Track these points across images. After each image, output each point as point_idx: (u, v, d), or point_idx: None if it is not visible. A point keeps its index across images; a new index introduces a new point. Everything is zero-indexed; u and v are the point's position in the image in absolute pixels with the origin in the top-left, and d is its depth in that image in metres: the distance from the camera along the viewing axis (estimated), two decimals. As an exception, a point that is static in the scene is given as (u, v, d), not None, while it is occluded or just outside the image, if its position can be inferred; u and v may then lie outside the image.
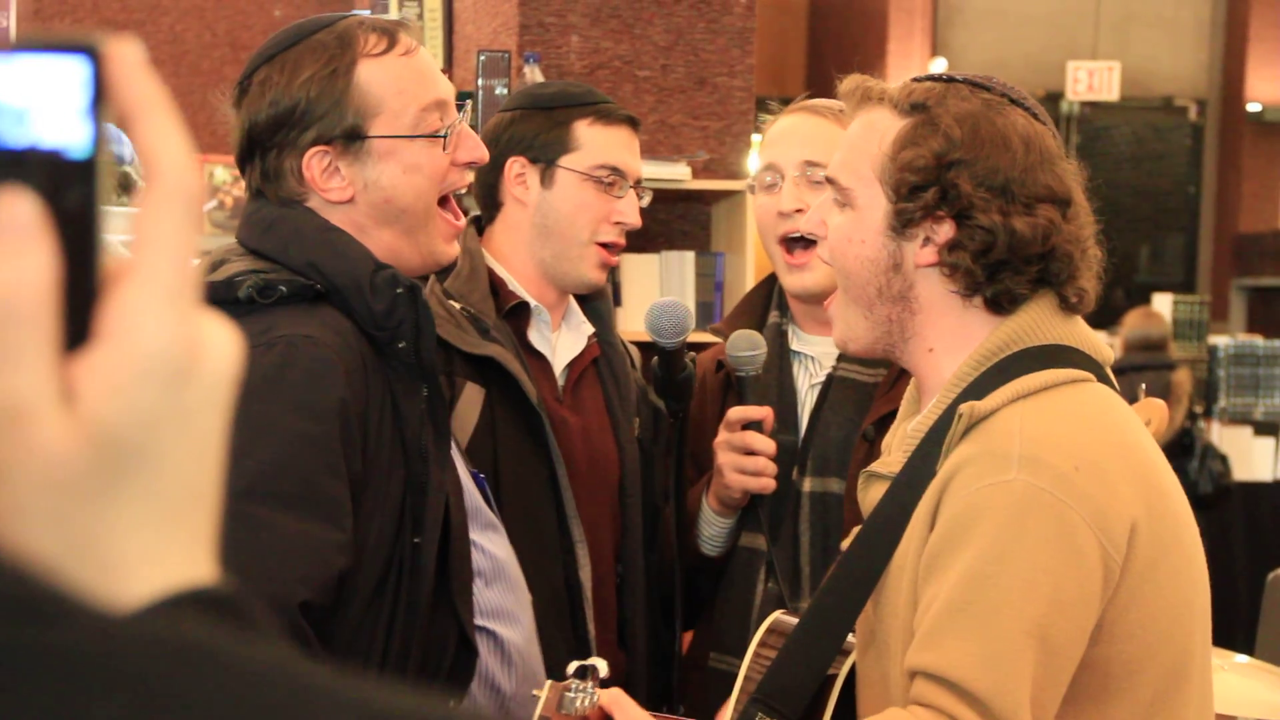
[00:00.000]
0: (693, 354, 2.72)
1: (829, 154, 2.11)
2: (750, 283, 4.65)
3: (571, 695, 1.87)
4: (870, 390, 2.49)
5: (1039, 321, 1.94)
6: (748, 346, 2.55)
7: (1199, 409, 7.82)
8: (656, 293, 4.42)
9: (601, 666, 1.91)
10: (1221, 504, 7.43)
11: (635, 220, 2.65)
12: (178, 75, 7.76)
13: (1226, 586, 5.69)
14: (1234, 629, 5.75)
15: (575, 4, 4.69)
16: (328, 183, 2.08)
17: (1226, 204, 13.88)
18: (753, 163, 5.18)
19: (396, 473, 2.01)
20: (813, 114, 2.51)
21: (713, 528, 2.63)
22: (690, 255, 4.76)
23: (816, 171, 2.40)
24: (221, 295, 1.97)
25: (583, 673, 1.89)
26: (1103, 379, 1.96)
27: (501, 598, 2.31)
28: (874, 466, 1.99)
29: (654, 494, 2.69)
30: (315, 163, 2.06)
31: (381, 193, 2.11)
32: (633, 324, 2.74)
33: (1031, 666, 1.75)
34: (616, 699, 1.89)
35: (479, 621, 2.19)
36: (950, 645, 1.76)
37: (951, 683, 1.74)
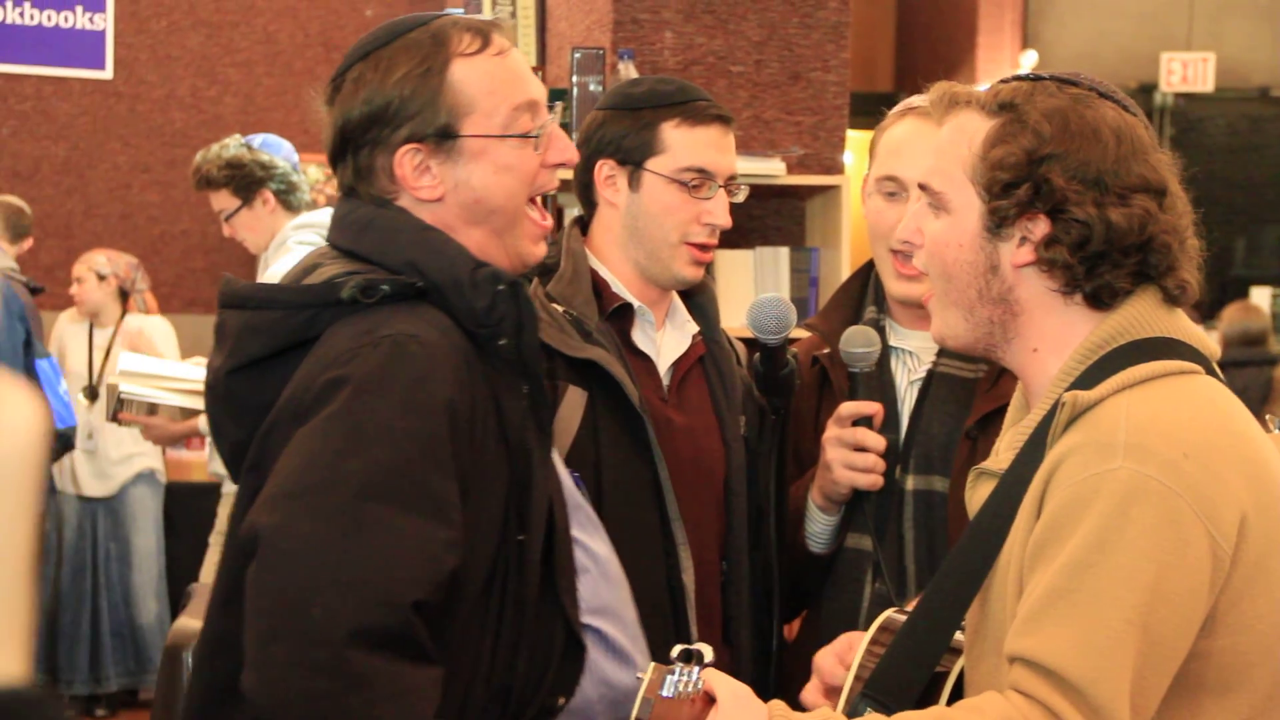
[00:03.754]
0: (794, 350, 2.73)
1: None
2: (845, 277, 4.66)
3: (675, 678, 1.85)
4: (972, 386, 2.48)
5: (1142, 315, 1.93)
6: (863, 343, 2.54)
7: (1302, 406, 7.58)
8: (751, 288, 4.42)
9: (707, 652, 1.90)
10: None
11: (725, 221, 2.65)
12: (272, 75, 8.07)
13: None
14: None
15: (669, 0, 4.67)
16: (418, 181, 2.08)
17: None
18: (849, 158, 5.17)
19: (501, 470, 2.02)
20: (933, 122, 2.50)
21: (818, 524, 2.63)
22: (785, 251, 4.75)
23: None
24: (324, 297, 1.99)
25: (687, 656, 1.88)
26: (1210, 372, 1.94)
27: (606, 593, 2.30)
28: (984, 464, 2.00)
29: (759, 492, 2.68)
30: (407, 161, 2.07)
31: (472, 193, 2.11)
32: (728, 319, 2.81)
33: (1132, 656, 1.74)
34: (719, 678, 1.88)
35: (585, 619, 2.18)
36: (1049, 631, 1.76)
37: (1049, 669, 1.74)
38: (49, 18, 7.95)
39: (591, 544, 2.24)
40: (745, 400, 2.70)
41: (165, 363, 4.59)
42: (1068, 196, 1.89)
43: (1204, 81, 12.79)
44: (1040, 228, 1.89)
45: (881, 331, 2.59)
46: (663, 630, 2.49)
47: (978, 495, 1.97)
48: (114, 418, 5.09)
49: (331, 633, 1.79)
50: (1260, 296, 10.48)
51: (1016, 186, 1.91)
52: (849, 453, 2.46)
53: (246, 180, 5.09)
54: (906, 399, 2.61)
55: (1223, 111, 13.95)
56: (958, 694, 2.01)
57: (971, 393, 2.48)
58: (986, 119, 1.97)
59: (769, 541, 2.67)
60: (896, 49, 14.06)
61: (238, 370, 2.05)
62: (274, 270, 4.34)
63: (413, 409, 1.91)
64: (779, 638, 2.70)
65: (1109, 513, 1.76)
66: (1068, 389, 1.88)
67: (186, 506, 6.69)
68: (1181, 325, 1.95)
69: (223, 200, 5.11)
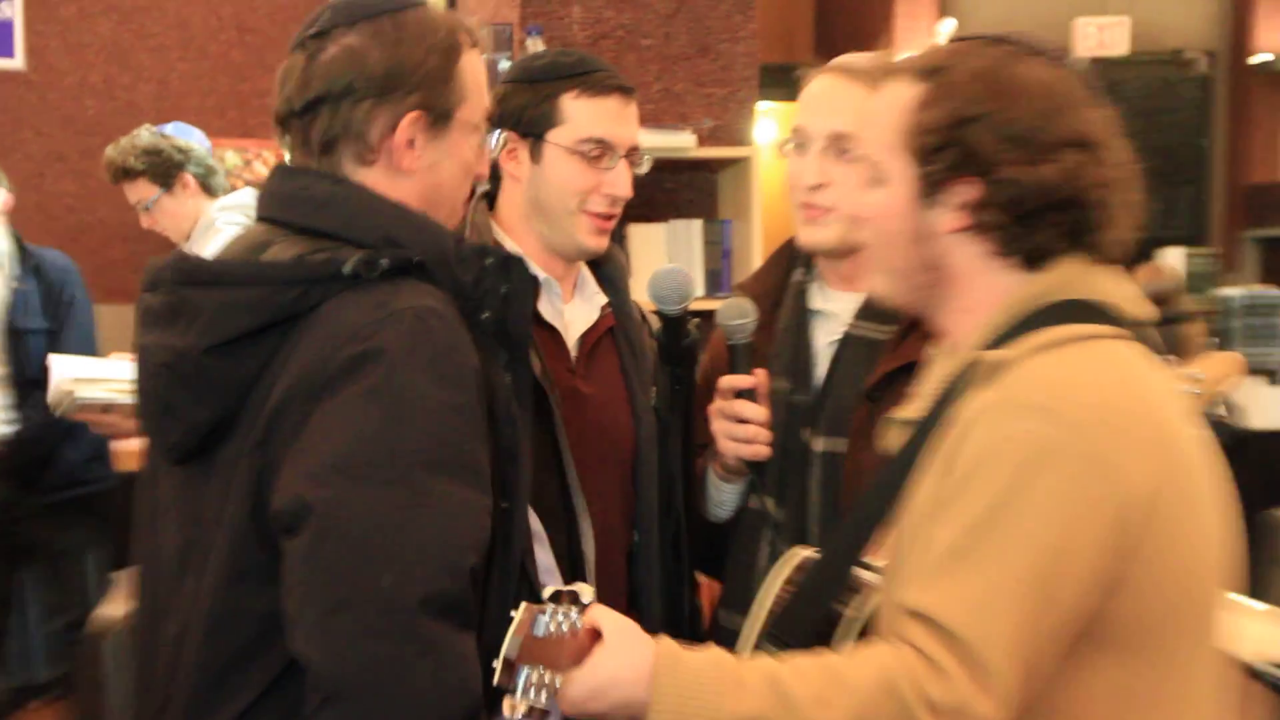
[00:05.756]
0: (697, 320, 2.73)
1: (858, 124, 2.13)
2: (758, 249, 4.72)
3: (546, 618, 1.85)
4: (881, 348, 2.51)
5: (1070, 277, 1.94)
6: (737, 314, 2.56)
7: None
8: (664, 261, 4.44)
9: (585, 592, 1.90)
10: (1237, 454, 7.65)
11: (626, 191, 2.66)
12: (185, 60, 7.88)
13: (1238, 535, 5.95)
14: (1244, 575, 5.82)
15: None
16: (404, 155, 2.09)
17: (1237, 156, 13.97)
18: (760, 128, 5.24)
19: (489, 440, 2.03)
20: (847, 78, 2.50)
21: (721, 493, 2.65)
22: (698, 223, 4.79)
23: (843, 142, 2.43)
24: (321, 272, 1.99)
25: (557, 598, 1.88)
26: (1141, 333, 1.95)
27: (544, 558, 2.39)
28: (897, 412, 2.02)
29: (670, 462, 2.69)
30: (409, 126, 2.07)
31: (438, 175, 2.14)
32: (641, 294, 2.85)
33: (1027, 617, 1.75)
34: (605, 613, 1.87)
35: (545, 576, 2.26)
36: (946, 589, 1.77)
37: (941, 625, 1.76)
38: None
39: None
40: (657, 371, 2.72)
41: (101, 362, 4.57)
42: (997, 157, 1.89)
43: (1119, 45, 12.85)
44: (972, 191, 1.90)
45: (804, 295, 2.60)
46: None
47: (890, 442, 1.99)
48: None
49: (405, 600, 1.82)
50: (1174, 256, 10.66)
51: (945, 149, 1.92)
52: (731, 425, 2.49)
53: (165, 165, 5.11)
54: (823, 360, 2.61)
55: (1138, 75, 13.91)
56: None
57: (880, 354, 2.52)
58: (917, 84, 1.97)
59: (678, 513, 2.69)
60: (816, 19, 14.07)
61: (214, 348, 2.01)
62: (208, 253, 4.43)
63: (448, 380, 1.94)
64: (691, 604, 2.70)
65: (1015, 474, 1.77)
66: (987, 347, 1.89)
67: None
68: (1110, 288, 1.96)
69: (141, 189, 5.10)
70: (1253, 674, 3.84)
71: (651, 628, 2.55)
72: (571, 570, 2.57)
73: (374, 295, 1.94)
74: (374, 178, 2.07)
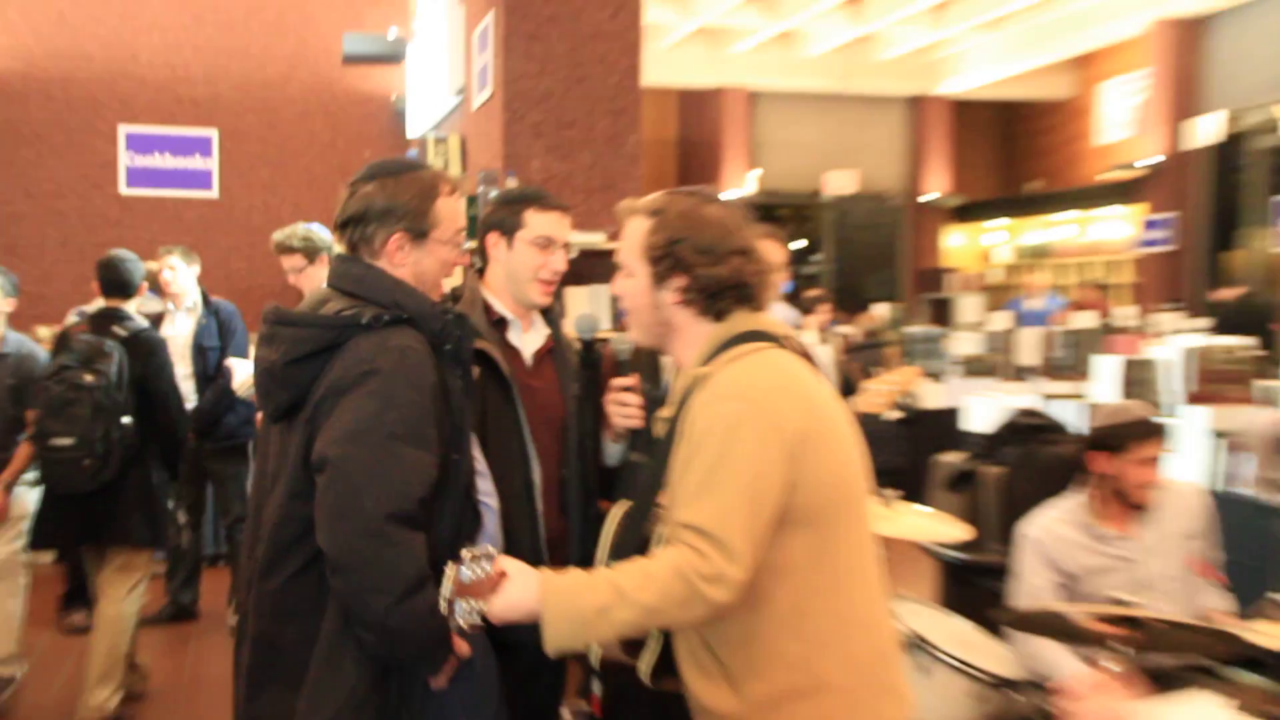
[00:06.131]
0: (603, 341, 2.93)
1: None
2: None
3: (466, 568, 1.88)
4: None
5: (740, 320, 2.07)
6: (587, 328, 2.79)
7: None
8: (585, 309, 4.51)
9: (490, 550, 1.93)
10: (917, 423, 8.03)
11: (562, 268, 2.82)
12: (310, 190, 8.63)
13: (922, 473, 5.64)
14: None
15: (537, 141, 5.06)
16: (395, 254, 2.23)
17: (915, 252, 16.40)
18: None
19: (444, 420, 2.14)
20: (621, 215, 2.38)
21: (611, 449, 2.79)
22: (605, 287, 4.85)
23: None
24: (350, 322, 2.11)
25: (474, 556, 1.90)
26: (785, 347, 2.07)
27: (485, 485, 2.42)
28: (660, 412, 2.11)
29: (584, 428, 2.78)
30: (396, 240, 2.22)
31: (421, 270, 2.26)
32: (570, 329, 2.91)
33: (748, 515, 1.91)
34: (506, 560, 1.94)
35: (481, 499, 2.34)
36: (699, 507, 1.91)
37: (697, 527, 1.90)
38: (180, 161, 8.89)
39: (479, 455, 2.40)
40: (578, 373, 2.82)
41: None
42: (694, 263, 2.03)
43: (851, 188, 15.56)
44: (681, 281, 2.05)
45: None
46: (526, 510, 2.72)
47: (659, 429, 2.08)
48: None
49: (378, 514, 1.99)
50: (882, 309, 11.54)
51: (664, 259, 2.05)
52: (618, 407, 2.63)
53: (313, 247, 5.14)
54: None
55: (863, 205, 16.49)
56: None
57: None
58: (647, 219, 2.09)
59: (589, 459, 2.80)
60: (678, 166, 16.14)
61: (291, 362, 2.14)
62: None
63: (415, 388, 2.08)
64: (596, 514, 2.73)
65: (724, 434, 1.92)
66: (700, 366, 2.03)
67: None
68: (764, 321, 2.10)
69: (295, 261, 5.11)
70: (923, 549, 4.43)
71: (575, 527, 2.80)
72: (526, 493, 2.71)
73: (378, 336, 2.09)
74: (383, 265, 2.23)
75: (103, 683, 4.69)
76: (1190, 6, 11.86)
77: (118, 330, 4.66)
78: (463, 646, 2.11)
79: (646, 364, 2.73)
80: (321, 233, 5.13)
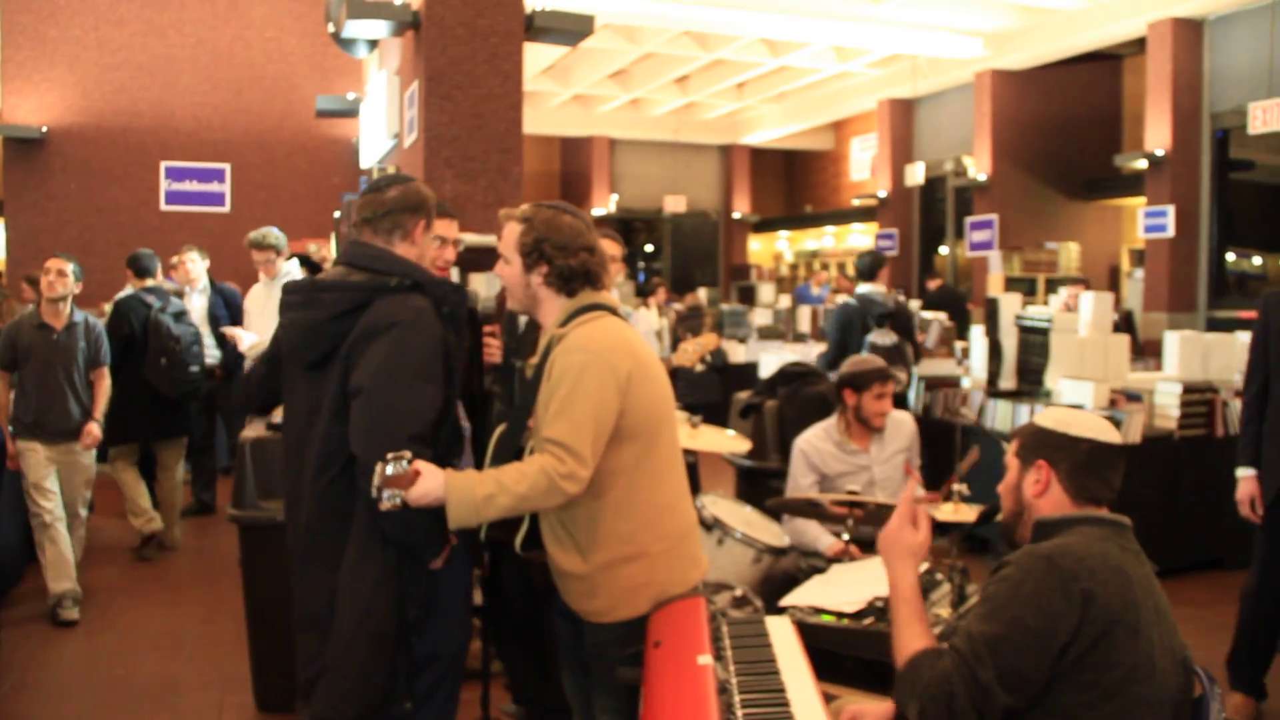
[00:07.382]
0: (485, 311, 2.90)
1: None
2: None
3: (390, 465, 1.79)
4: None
5: (587, 296, 2.02)
6: (472, 299, 2.53)
7: (718, 335, 6.57)
8: (484, 290, 4.33)
9: (409, 455, 1.80)
10: (723, 373, 7.99)
11: (450, 258, 2.75)
12: (290, 209, 8.38)
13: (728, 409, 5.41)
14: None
15: (448, 170, 4.73)
16: (420, 237, 2.11)
17: (728, 253, 16.22)
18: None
19: (444, 366, 2.01)
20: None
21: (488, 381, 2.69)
22: (494, 273, 3.11)
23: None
24: (378, 285, 2.00)
25: (398, 457, 1.79)
26: (617, 315, 2.01)
27: (459, 413, 2.27)
28: (530, 360, 2.05)
29: (473, 367, 2.56)
30: (421, 225, 2.12)
31: (422, 251, 2.15)
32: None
33: (590, 431, 1.88)
34: (420, 462, 1.83)
35: (462, 423, 2.25)
36: (558, 426, 1.87)
37: (556, 440, 1.86)
38: (203, 186, 8.62)
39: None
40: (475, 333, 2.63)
41: (252, 334, 4.24)
42: (554, 256, 1.98)
43: (682, 208, 14.90)
44: (545, 269, 2.00)
45: None
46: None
47: (529, 373, 2.04)
48: None
49: (400, 433, 1.87)
50: (704, 292, 11.45)
51: (532, 253, 2.00)
52: (486, 347, 2.59)
53: (279, 244, 5.16)
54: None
55: (689, 220, 16.29)
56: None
57: None
58: (520, 224, 2.03)
59: (477, 386, 2.55)
60: (560, 192, 15.80)
61: (335, 317, 2.01)
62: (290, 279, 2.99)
63: (427, 336, 1.95)
64: (482, 421, 2.54)
65: (576, 376, 1.88)
66: (558, 328, 1.98)
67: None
68: (603, 297, 2.05)
69: (267, 254, 5.10)
70: (724, 459, 4.55)
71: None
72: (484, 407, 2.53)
73: (399, 298, 1.98)
74: (403, 248, 2.11)
75: (171, 524, 5.34)
76: (903, 92, 12.33)
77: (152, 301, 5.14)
78: (453, 539, 2.06)
79: (507, 321, 2.71)
80: (281, 235, 5.21)
